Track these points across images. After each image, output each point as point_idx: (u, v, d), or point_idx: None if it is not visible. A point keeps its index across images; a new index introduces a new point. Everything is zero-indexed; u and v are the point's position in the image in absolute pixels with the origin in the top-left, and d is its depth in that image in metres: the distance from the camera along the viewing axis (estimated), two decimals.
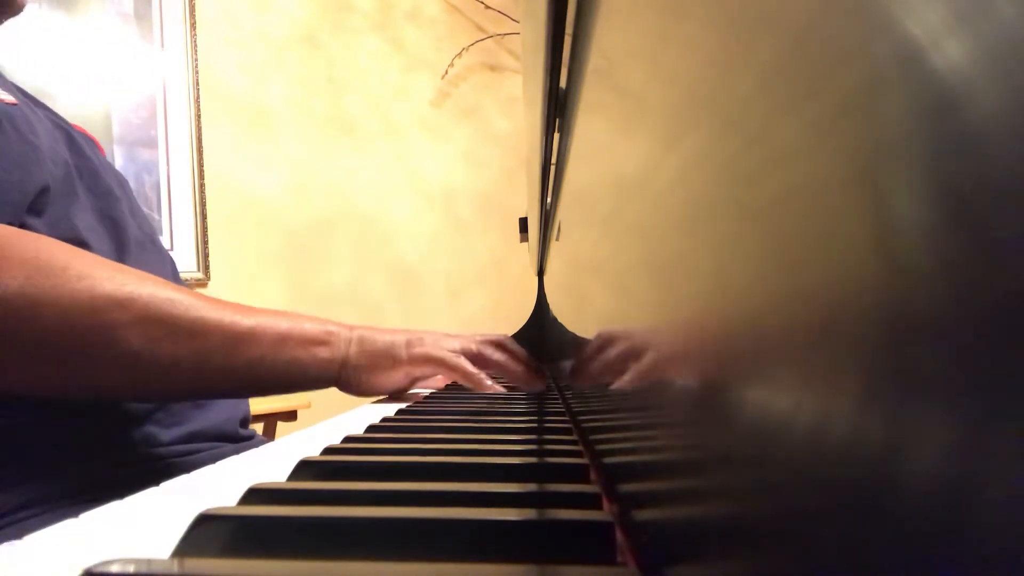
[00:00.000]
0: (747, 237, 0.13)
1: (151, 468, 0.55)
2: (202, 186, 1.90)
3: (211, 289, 1.88)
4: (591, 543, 0.21)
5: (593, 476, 0.30)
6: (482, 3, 2.29)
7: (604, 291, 0.36)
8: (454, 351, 0.66)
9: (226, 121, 1.96)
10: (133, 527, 0.24)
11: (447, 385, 0.80)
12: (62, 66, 1.72)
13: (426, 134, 2.27)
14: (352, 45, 2.17)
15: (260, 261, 2.00)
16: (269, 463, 0.35)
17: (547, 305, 1.10)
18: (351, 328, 0.62)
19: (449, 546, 0.21)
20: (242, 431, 0.69)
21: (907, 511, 0.07)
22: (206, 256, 1.90)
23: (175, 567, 0.19)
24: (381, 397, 0.67)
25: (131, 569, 0.18)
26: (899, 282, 0.08)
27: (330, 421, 0.52)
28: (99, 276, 0.47)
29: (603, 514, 0.23)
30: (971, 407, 0.06)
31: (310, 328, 0.58)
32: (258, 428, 1.64)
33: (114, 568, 0.18)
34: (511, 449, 0.36)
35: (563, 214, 0.69)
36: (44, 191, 0.53)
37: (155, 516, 0.25)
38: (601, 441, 0.32)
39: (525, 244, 1.39)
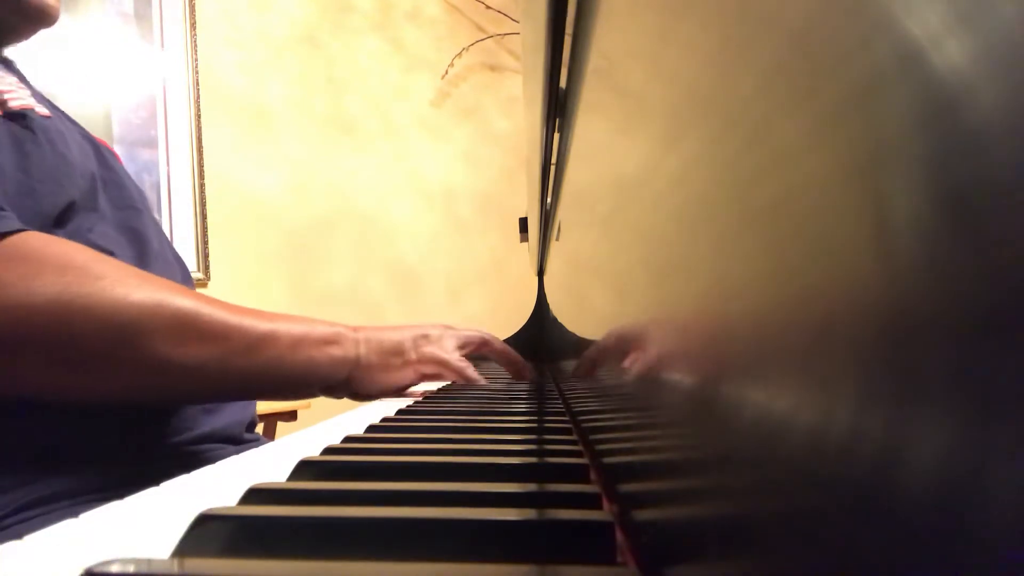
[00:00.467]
0: (747, 237, 0.13)
1: (155, 468, 0.55)
2: (202, 186, 1.90)
3: (211, 289, 1.88)
4: (591, 543, 0.21)
5: (593, 476, 0.30)
6: (482, 3, 2.29)
7: (604, 291, 0.36)
8: (460, 346, 0.69)
9: (226, 121, 1.97)
10: (133, 527, 0.24)
11: (444, 385, 0.80)
12: (62, 66, 1.72)
13: (426, 134, 2.27)
14: (352, 45, 2.17)
15: (260, 261, 2.00)
16: (269, 463, 0.35)
17: (547, 305, 1.10)
18: (355, 329, 0.63)
19: (449, 546, 0.21)
20: (247, 435, 0.69)
21: (907, 511, 0.07)
22: (206, 256, 1.90)
23: (175, 567, 0.19)
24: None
25: (131, 569, 0.18)
26: (898, 282, 0.08)
27: (330, 421, 0.52)
28: (130, 284, 0.48)
29: (603, 514, 0.23)
30: (971, 407, 0.06)
31: (322, 329, 0.60)
32: (258, 428, 1.64)
33: (114, 568, 0.18)
34: (511, 449, 0.36)
35: (563, 214, 0.69)
36: (71, 204, 0.55)
37: (155, 516, 0.25)
38: (601, 441, 0.32)
39: (525, 244, 1.40)
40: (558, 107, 0.58)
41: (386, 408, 0.56)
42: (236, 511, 0.23)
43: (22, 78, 0.63)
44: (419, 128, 2.26)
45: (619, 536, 0.21)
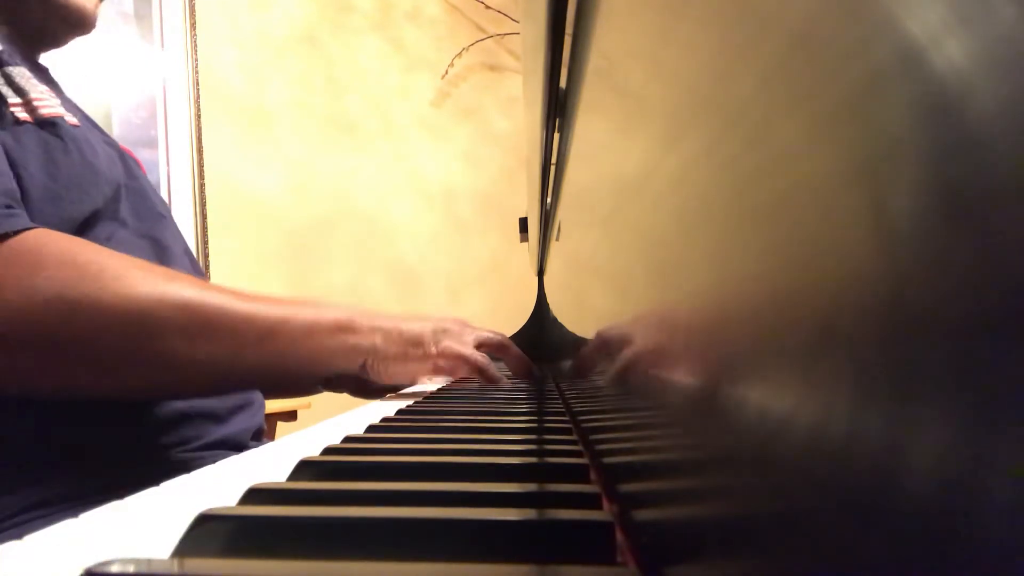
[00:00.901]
0: (747, 237, 0.13)
1: (157, 471, 0.55)
2: (202, 186, 1.90)
3: None
4: (591, 543, 0.21)
5: (593, 476, 0.30)
6: (482, 3, 2.29)
7: (604, 291, 0.36)
8: (477, 345, 0.67)
9: (226, 121, 1.96)
10: (133, 527, 0.24)
11: (443, 385, 0.80)
12: (62, 66, 1.72)
13: (426, 134, 2.27)
14: (352, 45, 2.17)
15: (260, 261, 1.99)
16: (269, 463, 0.35)
17: (547, 305, 1.10)
18: (372, 317, 0.60)
19: (449, 546, 0.21)
20: (252, 444, 0.69)
21: (907, 511, 0.07)
22: (206, 256, 1.90)
23: (175, 567, 0.19)
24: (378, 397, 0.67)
25: (131, 569, 0.18)
26: (898, 282, 0.08)
27: (330, 421, 0.52)
28: (135, 276, 0.48)
29: (603, 514, 0.23)
30: (971, 406, 0.06)
31: (334, 314, 0.57)
32: None
33: (114, 568, 0.18)
34: (511, 449, 0.36)
35: (563, 214, 0.69)
36: (95, 212, 0.55)
37: (155, 516, 0.25)
38: (601, 441, 0.32)
39: (525, 244, 1.40)
40: (558, 107, 0.58)
41: (386, 408, 0.56)
42: (236, 511, 0.23)
43: (55, 86, 0.64)
44: (419, 128, 2.26)
45: (619, 536, 0.21)
